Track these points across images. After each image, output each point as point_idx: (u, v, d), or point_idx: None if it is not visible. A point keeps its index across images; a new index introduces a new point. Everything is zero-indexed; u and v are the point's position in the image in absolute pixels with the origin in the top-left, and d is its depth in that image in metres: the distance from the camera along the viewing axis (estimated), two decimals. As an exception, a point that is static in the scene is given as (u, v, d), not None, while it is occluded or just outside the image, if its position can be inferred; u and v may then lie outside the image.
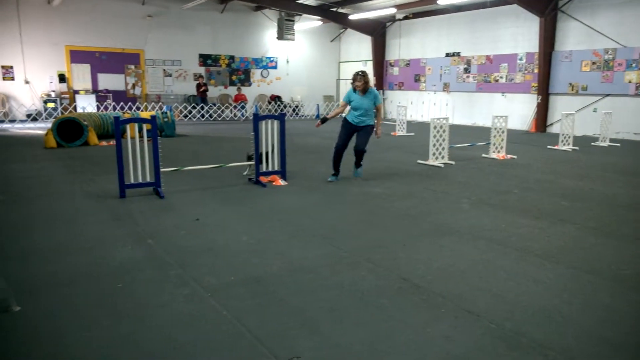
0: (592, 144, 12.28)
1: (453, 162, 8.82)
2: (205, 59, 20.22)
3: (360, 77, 6.71)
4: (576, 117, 12.64)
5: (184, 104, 18.65)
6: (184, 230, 4.68)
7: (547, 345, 2.65)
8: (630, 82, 14.14)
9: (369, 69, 22.26)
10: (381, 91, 22.06)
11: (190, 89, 19.53)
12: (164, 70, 19.35)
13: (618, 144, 12.38)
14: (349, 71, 23.59)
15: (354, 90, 6.78)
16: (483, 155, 9.75)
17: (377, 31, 21.22)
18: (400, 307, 3.10)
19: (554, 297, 3.30)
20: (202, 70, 20.12)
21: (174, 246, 4.22)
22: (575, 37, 15.22)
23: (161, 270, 3.67)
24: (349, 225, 5.01)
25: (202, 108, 18.38)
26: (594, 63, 14.87)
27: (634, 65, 14.00)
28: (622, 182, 7.42)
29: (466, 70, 18.52)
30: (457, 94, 18.88)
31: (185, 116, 18.09)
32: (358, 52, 22.81)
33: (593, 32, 14.74)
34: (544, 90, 15.85)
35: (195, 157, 9.18)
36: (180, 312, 3.01)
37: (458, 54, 18.71)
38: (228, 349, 2.59)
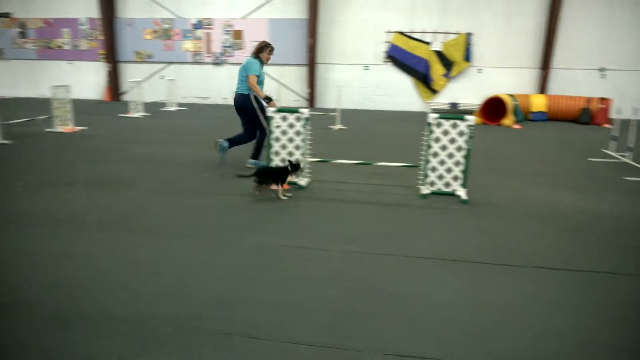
0: (162, 109, 13.04)
1: (10, 142, 7.53)
2: None
3: (272, 48, 6.07)
4: (146, 85, 13.08)
5: None
6: None
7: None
8: (187, 50, 15.66)
9: None
10: None
11: None
12: None
13: (185, 108, 13.61)
14: None
15: (261, 62, 5.97)
16: (47, 129, 8.76)
17: None
18: None
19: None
20: None
21: None
22: (136, 5, 15.51)
23: None
24: None
25: None
26: (155, 32, 15.63)
27: (188, 35, 15.52)
28: (183, 142, 8.11)
29: (22, 35, 16.19)
30: (16, 61, 16.37)
31: None
32: None
33: (152, 2, 15.38)
34: (112, 57, 15.66)
35: None
36: None
37: (8, 15, 16.07)
38: None
